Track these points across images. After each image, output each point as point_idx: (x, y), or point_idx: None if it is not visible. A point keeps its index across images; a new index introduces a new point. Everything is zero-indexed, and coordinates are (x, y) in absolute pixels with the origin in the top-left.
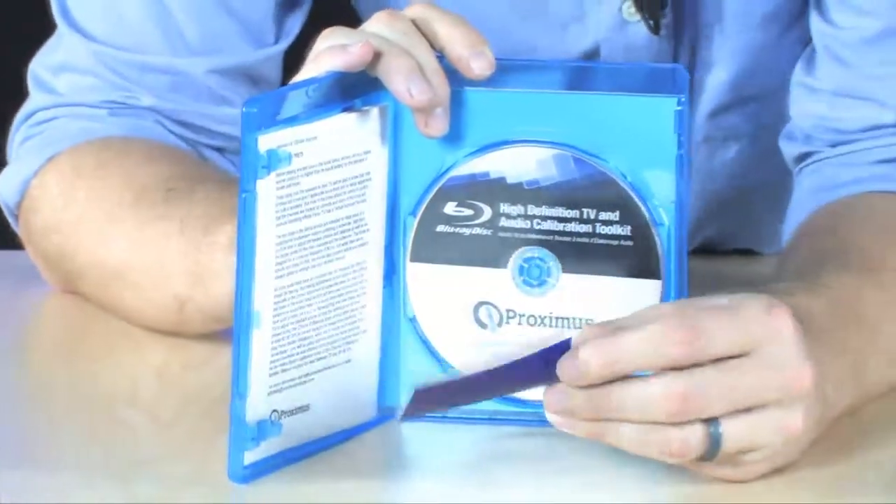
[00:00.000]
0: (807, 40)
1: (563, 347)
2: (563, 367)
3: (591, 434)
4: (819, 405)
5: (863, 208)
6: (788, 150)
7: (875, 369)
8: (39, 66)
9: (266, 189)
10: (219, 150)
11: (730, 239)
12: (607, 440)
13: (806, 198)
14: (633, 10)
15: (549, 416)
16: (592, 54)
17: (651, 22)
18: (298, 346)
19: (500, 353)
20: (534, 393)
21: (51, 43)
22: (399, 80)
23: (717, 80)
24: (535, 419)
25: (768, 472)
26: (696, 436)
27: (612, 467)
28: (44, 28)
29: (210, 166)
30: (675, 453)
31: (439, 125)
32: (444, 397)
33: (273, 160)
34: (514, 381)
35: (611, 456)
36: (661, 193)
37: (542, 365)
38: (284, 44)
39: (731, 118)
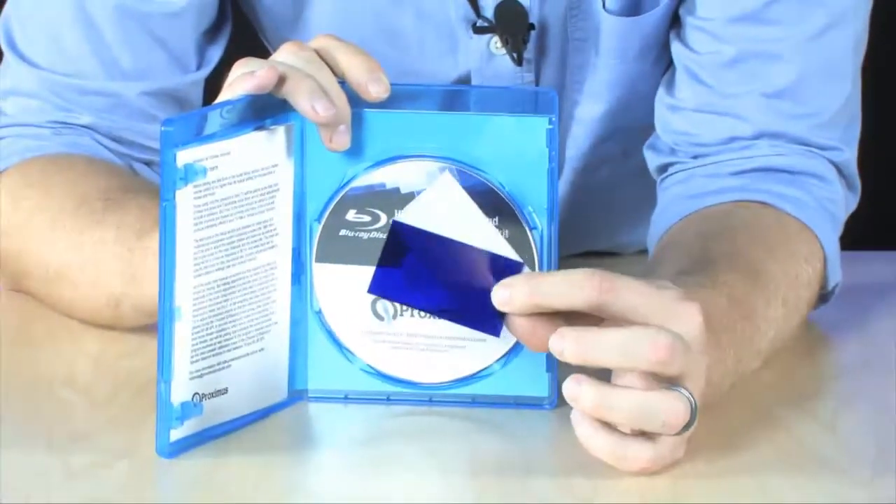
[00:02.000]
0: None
1: (514, 267)
2: (497, 290)
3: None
4: (705, 390)
5: (735, 217)
6: (653, 160)
7: (748, 361)
8: None
9: (184, 198)
10: (148, 163)
11: (594, 244)
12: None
13: (674, 203)
14: (499, 44)
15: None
16: (464, 81)
17: (514, 55)
18: (216, 337)
19: (397, 342)
20: (424, 375)
21: None
22: (303, 98)
23: (594, 112)
24: (424, 399)
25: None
26: (682, 401)
27: (492, 440)
28: None
29: (141, 179)
30: (670, 422)
31: (342, 140)
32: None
33: (190, 173)
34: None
35: (490, 428)
36: (535, 201)
37: (490, 265)
38: (206, 70)
39: (606, 146)
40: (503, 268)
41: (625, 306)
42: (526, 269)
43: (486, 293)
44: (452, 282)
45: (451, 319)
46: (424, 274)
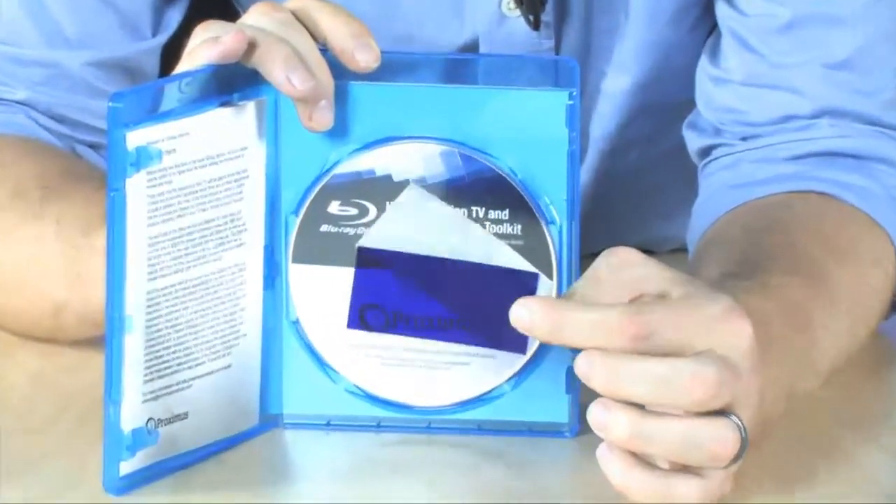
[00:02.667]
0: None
1: (526, 279)
2: (517, 311)
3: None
4: (758, 414)
5: (790, 210)
6: (694, 141)
7: (805, 380)
8: None
9: (136, 188)
10: (94, 146)
11: (622, 240)
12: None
13: (719, 193)
14: (512, 5)
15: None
16: (471, 48)
17: (530, 17)
18: (174, 352)
19: (389, 357)
20: (421, 397)
21: None
22: (277, 68)
23: (623, 85)
24: (421, 426)
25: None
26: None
27: (501, 474)
28: None
29: (85, 164)
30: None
31: (324, 119)
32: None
33: (143, 157)
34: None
35: (499, 461)
36: (553, 191)
37: (502, 281)
38: (163, 37)
39: (637, 125)
40: (515, 281)
41: (664, 343)
42: (542, 280)
43: (499, 311)
44: (454, 304)
45: (466, 342)
46: (413, 302)
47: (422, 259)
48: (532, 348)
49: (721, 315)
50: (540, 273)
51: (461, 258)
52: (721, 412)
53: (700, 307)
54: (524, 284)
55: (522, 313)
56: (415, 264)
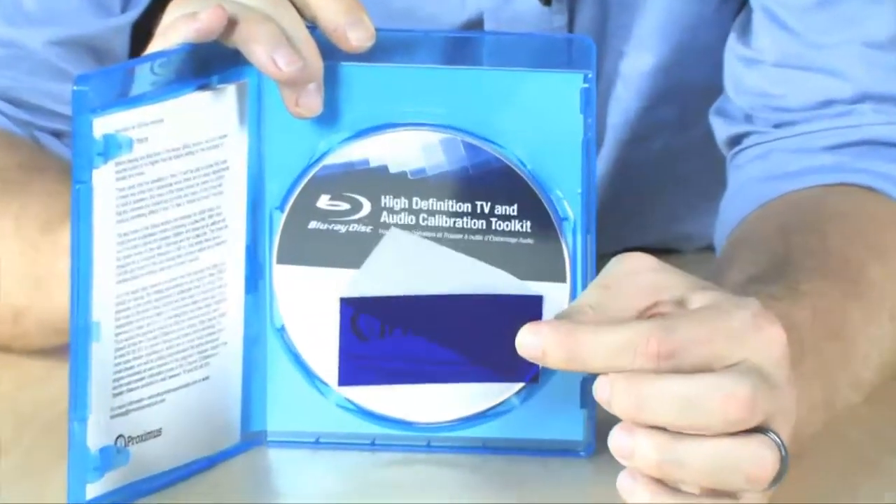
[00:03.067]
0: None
1: (533, 308)
2: (525, 339)
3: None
4: (790, 430)
5: (828, 206)
6: (722, 129)
7: (843, 393)
8: None
9: (103, 180)
10: (57, 134)
11: (643, 238)
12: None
13: (749, 186)
14: None
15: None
16: (475, 26)
17: None
18: (146, 362)
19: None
20: (421, 412)
21: None
22: (260, 48)
23: (643, 66)
24: (421, 444)
25: None
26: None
27: (509, 499)
28: None
29: (48, 154)
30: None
31: (312, 103)
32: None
33: (111, 147)
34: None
35: (507, 484)
36: (566, 184)
37: (499, 309)
38: (133, 14)
39: (659, 111)
40: (518, 308)
41: (693, 360)
42: (547, 303)
43: (502, 341)
44: (453, 344)
45: (467, 380)
46: (408, 346)
47: (412, 300)
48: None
49: (751, 322)
50: (544, 295)
51: (455, 292)
52: (757, 429)
53: (727, 316)
54: (528, 309)
55: (531, 341)
56: (405, 307)
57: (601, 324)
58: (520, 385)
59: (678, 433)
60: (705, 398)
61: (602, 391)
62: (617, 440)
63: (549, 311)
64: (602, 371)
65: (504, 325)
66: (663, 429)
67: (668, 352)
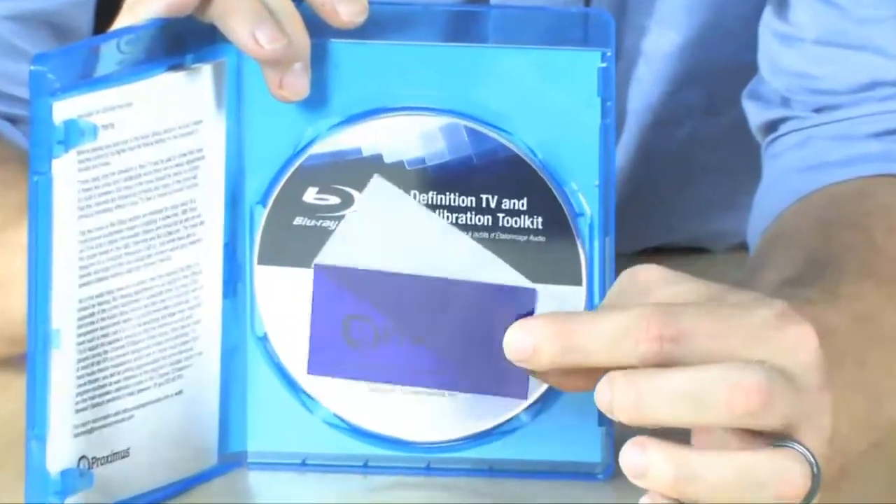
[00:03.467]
0: None
1: (523, 296)
2: (513, 338)
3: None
4: (832, 446)
5: (873, 198)
6: (756, 114)
7: (890, 408)
8: None
9: (64, 171)
10: (12, 120)
11: (668, 236)
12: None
13: (787, 177)
14: None
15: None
16: None
17: None
18: (113, 375)
19: (379, 381)
20: (420, 430)
21: None
22: (239, 23)
23: (668, 45)
24: (420, 467)
25: None
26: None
27: None
28: None
29: (3, 142)
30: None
31: (298, 85)
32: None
33: (73, 134)
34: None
35: None
36: (582, 174)
37: (494, 300)
38: None
39: (685, 95)
40: (506, 299)
41: (701, 351)
42: (539, 298)
43: (492, 341)
44: (434, 337)
45: (452, 390)
46: (388, 333)
47: (388, 277)
48: (540, 389)
49: (774, 321)
50: (536, 290)
51: (438, 275)
52: (783, 442)
53: (748, 313)
54: (520, 304)
55: (520, 338)
56: (379, 284)
57: (598, 312)
58: (529, 400)
59: (696, 448)
60: (709, 390)
61: (603, 393)
62: (628, 457)
63: None
64: (602, 363)
65: (503, 324)
66: (682, 446)
67: (672, 335)
